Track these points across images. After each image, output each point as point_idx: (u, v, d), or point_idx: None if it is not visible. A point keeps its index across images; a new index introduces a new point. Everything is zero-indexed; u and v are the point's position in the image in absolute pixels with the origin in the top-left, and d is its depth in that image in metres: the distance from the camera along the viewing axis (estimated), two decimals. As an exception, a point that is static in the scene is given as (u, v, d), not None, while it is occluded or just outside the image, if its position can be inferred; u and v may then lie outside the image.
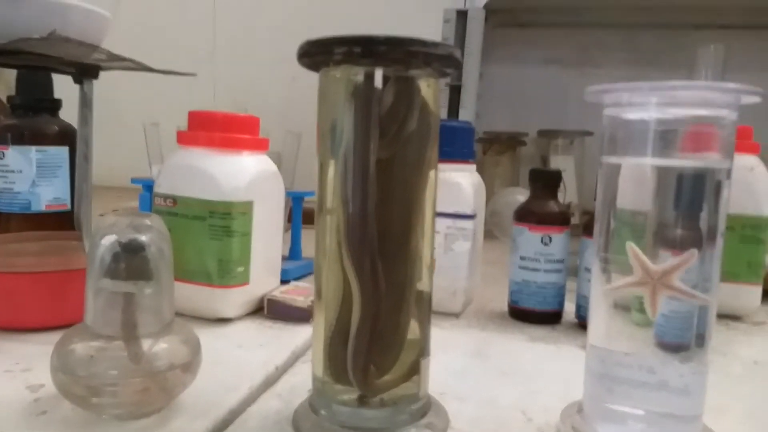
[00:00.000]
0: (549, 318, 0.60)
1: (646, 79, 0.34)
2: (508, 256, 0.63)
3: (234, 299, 0.53)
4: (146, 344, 0.35)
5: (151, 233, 0.36)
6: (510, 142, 1.25)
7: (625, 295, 0.36)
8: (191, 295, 0.52)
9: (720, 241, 0.34)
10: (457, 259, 0.61)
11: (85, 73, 0.45)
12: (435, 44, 0.33)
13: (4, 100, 0.81)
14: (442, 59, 0.34)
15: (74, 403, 0.35)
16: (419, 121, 0.35)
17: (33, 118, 0.76)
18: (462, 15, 1.11)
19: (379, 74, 0.33)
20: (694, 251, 0.33)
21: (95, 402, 0.34)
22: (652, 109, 0.34)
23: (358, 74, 0.33)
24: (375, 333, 0.34)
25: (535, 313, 0.60)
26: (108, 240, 0.35)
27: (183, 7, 1.62)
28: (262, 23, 1.58)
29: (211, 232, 0.51)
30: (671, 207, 0.35)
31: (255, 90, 1.56)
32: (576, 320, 0.60)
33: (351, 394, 0.36)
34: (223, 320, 0.53)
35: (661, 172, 0.35)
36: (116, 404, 0.34)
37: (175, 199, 0.52)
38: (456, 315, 0.62)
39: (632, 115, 0.35)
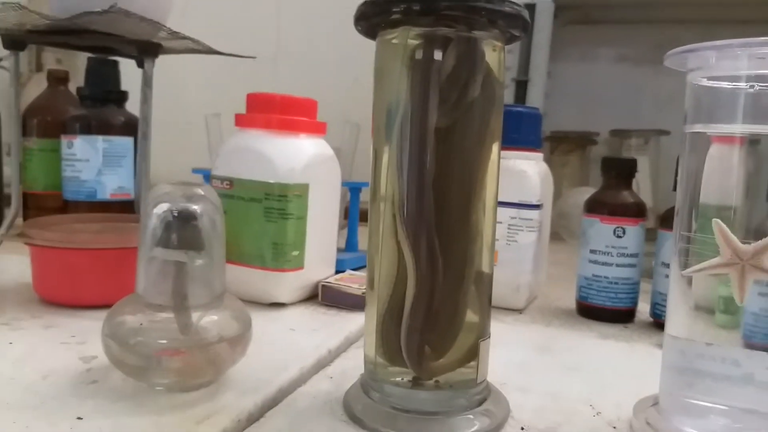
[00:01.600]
0: (621, 316, 0.56)
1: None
2: (576, 259, 0.59)
3: (288, 283, 0.52)
4: (196, 316, 0.34)
5: (204, 203, 0.35)
6: (579, 140, 1.20)
7: (707, 287, 0.32)
8: (246, 278, 0.52)
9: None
10: (521, 251, 0.58)
11: (145, 51, 0.45)
12: (501, 1, 0.30)
13: (74, 92, 0.84)
14: (508, 18, 0.31)
15: (123, 371, 0.34)
16: (483, 88, 0.33)
17: (100, 109, 0.79)
18: (530, 8, 1.08)
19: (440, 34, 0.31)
20: (793, 230, 0.30)
21: (145, 371, 0.34)
22: (743, 68, 0.30)
23: (416, 36, 0.32)
24: (431, 311, 0.32)
25: (605, 311, 0.56)
26: (160, 208, 0.34)
27: (247, 8, 1.65)
28: (325, 24, 1.59)
29: (266, 214, 0.50)
30: (755, 190, 0.31)
31: (317, 91, 1.57)
32: (651, 319, 0.56)
33: (405, 376, 0.33)
34: (277, 305, 0.52)
35: (754, 143, 0.31)
36: (164, 374, 0.34)
37: (231, 181, 0.52)
38: (519, 311, 0.59)
39: (720, 76, 0.32)
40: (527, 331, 0.52)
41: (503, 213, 0.57)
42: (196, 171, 0.77)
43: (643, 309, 0.57)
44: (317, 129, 0.54)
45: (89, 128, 0.78)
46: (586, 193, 1.07)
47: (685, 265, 0.33)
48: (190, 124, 1.24)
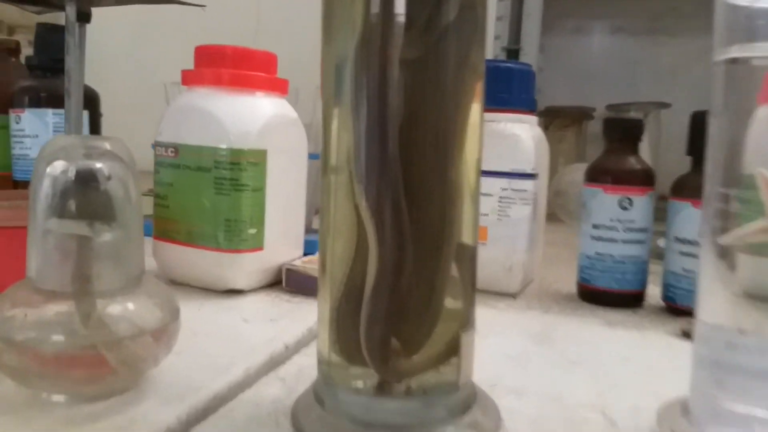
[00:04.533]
0: (628, 300, 0.49)
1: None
2: (575, 239, 0.52)
3: (245, 266, 0.44)
4: (103, 304, 0.27)
5: (112, 161, 0.27)
6: (575, 115, 1.12)
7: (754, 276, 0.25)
8: (196, 260, 0.44)
9: None
10: (514, 227, 0.50)
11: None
12: None
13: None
14: None
15: (9, 377, 0.27)
16: (461, 8, 0.26)
17: (51, 80, 0.71)
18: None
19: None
20: None
21: (33, 376, 0.26)
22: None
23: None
24: (398, 294, 0.25)
25: (611, 294, 0.49)
26: (55, 168, 0.27)
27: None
28: (308, 3, 1.51)
29: (217, 185, 0.43)
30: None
31: (300, 69, 1.49)
32: (663, 303, 0.49)
33: (367, 380, 0.26)
34: (234, 292, 0.45)
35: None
36: (60, 380, 0.26)
37: (176, 148, 0.44)
38: (512, 295, 0.51)
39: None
40: (522, 319, 0.45)
41: (493, 184, 0.50)
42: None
43: (653, 293, 0.50)
44: (277, 87, 0.46)
45: (38, 101, 0.70)
46: (583, 170, 1.01)
47: (722, 231, 0.26)
48: (154, 94, 1.17)
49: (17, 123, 0.70)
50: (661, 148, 1.13)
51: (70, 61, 0.38)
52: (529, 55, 0.94)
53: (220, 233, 0.43)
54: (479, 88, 0.27)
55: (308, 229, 0.55)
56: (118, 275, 0.28)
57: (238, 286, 0.45)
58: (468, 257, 0.27)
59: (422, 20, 0.25)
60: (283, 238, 0.48)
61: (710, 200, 0.26)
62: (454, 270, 0.27)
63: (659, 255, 0.51)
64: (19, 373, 0.26)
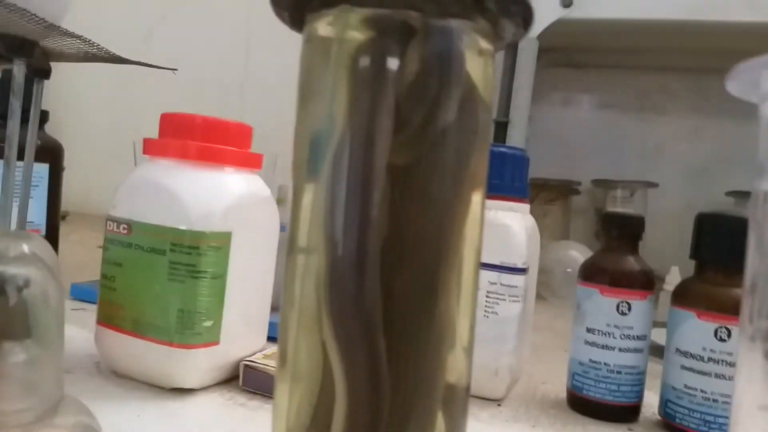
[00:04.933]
0: (623, 414, 0.45)
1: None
2: (559, 322, 0.48)
3: (196, 364, 0.39)
4: (1, 444, 0.22)
5: (29, 265, 0.23)
6: (561, 189, 1.10)
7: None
8: (142, 353, 0.39)
9: None
10: (502, 326, 0.46)
11: (15, 49, 0.33)
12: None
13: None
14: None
15: None
16: (461, 110, 0.22)
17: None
18: (512, 47, 0.99)
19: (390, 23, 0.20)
20: None
21: None
22: None
23: (362, 24, 0.20)
24: (369, 456, 0.20)
25: (604, 406, 0.44)
26: (-43, 272, 0.22)
27: (214, 35, 1.54)
28: (296, 52, 1.49)
29: (171, 270, 0.38)
30: None
31: (286, 126, 1.46)
32: (660, 418, 0.45)
33: None
34: (182, 390, 0.40)
35: None
36: None
37: (129, 225, 0.39)
38: (497, 402, 0.46)
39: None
40: (507, 436, 0.40)
41: (482, 277, 0.46)
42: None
43: (649, 402, 0.46)
44: (249, 162, 0.42)
45: (-1, 152, 0.65)
46: (569, 247, 0.98)
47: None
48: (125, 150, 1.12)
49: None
50: (647, 229, 1.11)
51: (11, 126, 0.34)
52: (518, 128, 0.92)
53: (171, 325, 0.38)
54: (479, 198, 0.23)
55: (274, 307, 0.50)
56: (31, 403, 0.23)
57: (187, 385, 0.39)
58: (459, 400, 0.23)
59: (416, 121, 0.21)
60: (243, 329, 0.43)
61: (752, 317, 0.22)
62: (440, 418, 0.22)
63: (655, 353, 0.47)
64: None
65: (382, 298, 0.20)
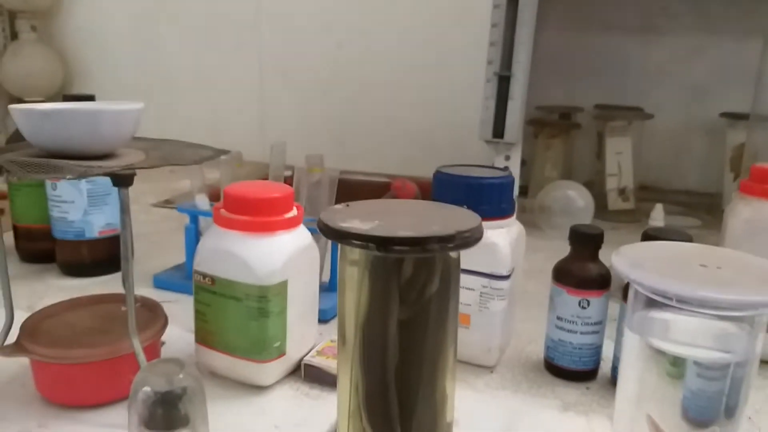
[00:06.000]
0: (584, 376, 0.61)
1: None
2: (554, 252, 0.62)
3: (272, 371, 0.55)
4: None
5: (185, 383, 0.38)
6: (563, 125, 1.20)
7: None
8: (231, 365, 0.55)
9: None
10: (492, 318, 0.61)
11: (120, 182, 0.46)
12: (452, 237, 0.32)
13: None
14: (463, 243, 0.33)
15: None
16: (440, 283, 0.35)
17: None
18: (513, 1, 1.04)
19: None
20: None
21: None
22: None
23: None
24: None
25: (570, 372, 0.60)
26: (144, 394, 0.37)
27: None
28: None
29: (247, 312, 0.53)
30: None
31: (301, 57, 1.53)
32: (609, 375, 0.61)
33: None
34: (262, 387, 0.56)
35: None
36: None
37: (213, 279, 0.54)
38: (490, 369, 0.63)
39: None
40: (494, 404, 0.57)
41: (475, 281, 0.60)
42: (181, 209, 0.78)
43: (606, 363, 0.62)
44: (293, 223, 0.55)
45: (71, 168, 0.78)
46: (568, 188, 1.10)
47: None
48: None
49: (54, 189, 0.79)
50: (642, 153, 1.21)
51: (125, 235, 0.47)
52: (520, 81, 1.01)
53: (251, 348, 0.54)
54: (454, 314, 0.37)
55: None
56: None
57: (265, 384, 0.56)
58: (445, 443, 0.38)
59: (412, 297, 0.35)
60: (300, 338, 0.58)
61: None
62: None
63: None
64: None
65: (400, 398, 0.35)
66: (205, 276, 0.54)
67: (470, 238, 0.33)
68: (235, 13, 1.58)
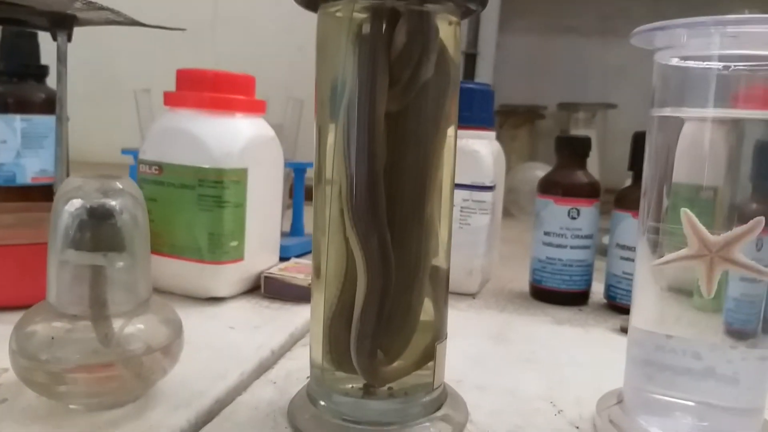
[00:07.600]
0: (575, 299, 0.55)
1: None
2: (526, 236, 0.57)
3: (227, 276, 0.48)
4: (118, 324, 0.30)
5: (123, 198, 0.31)
6: (528, 115, 1.19)
7: (679, 275, 0.30)
8: (179, 271, 0.48)
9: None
10: (474, 234, 0.55)
11: (58, 23, 0.39)
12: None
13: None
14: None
15: (37, 392, 0.30)
16: (437, 68, 0.30)
17: (18, 85, 0.72)
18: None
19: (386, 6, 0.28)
20: (761, 219, 0.28)
21: (60, 390, 0.30)
22: (715, 48, 0.28)
23: (362, 9, 0.28)
24: (383, 313, 0.29)
25: (559, 293, 0.55)
26: (72, 205, 0.30)
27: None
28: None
29: (200, 202, 0.46)
30: (736, 170, 0.30)
31: (257, 61, 1.50)
32: (605, 300, 0.55)
33: (355, 383, 0.31)
34: (215, 299, 0.49)
35: (726, 129, 0.29)
36: (83, 393, 0.30)
37: (161, 167, 0.47)
38: (472, 295, 0.57)
39: (691, 56, 0.29)
40: (481, 319, 0.50)
41: (456, 195, 0.54)
42: (125, 152, 0.71)
43: (597, 290, 0.56)
44: (255, 108, 0.49)
45: (6, 106, 0.70)
46: (535, 168, 1.07)
47: (653, 256, 0.31)
48: (121, 100, 1.16)
49: (-15, 129, 0.71)
50: (607, 146, 1.20)
51: (60, 90, 0.41)
52: (486, 59, 0.99)
53: (204, 246, 0.47)
54: (452, 132, 0.32)
55: (282, 235, 0.59)
56: (130, 298, 0.31)
57: (220, 294, 0.48)
58: (441, 278, 0.32)
59: (404, 79, 0.29)
60: (261, 248, 0.51)
61: (644, 228, 0.32)
62: (429, 290, 0.31)
63: (604, 252, 0.57)
64: (46, 388, 0.30)
65: (387, 206, 0.28)
66: (151, 165, 0.48)
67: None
68: (190, 17, 1.54)
